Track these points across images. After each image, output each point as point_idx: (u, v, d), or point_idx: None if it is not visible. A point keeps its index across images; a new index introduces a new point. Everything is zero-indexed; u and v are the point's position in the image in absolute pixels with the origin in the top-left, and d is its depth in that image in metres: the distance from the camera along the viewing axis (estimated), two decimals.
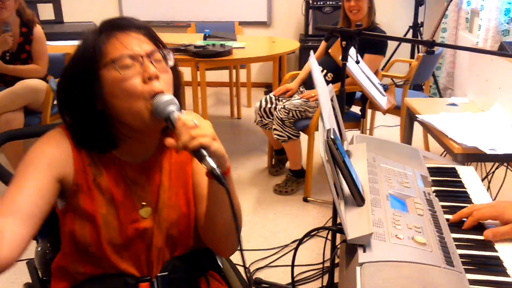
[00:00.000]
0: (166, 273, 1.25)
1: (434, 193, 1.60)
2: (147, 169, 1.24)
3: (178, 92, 1.20)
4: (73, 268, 1.22)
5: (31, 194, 1.06)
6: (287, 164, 3.63)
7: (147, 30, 1.16)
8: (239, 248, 1.12)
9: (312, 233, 2.73)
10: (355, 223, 1.21)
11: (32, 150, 1.15)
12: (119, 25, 1.13)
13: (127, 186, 1.21)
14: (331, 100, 1.51)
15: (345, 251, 1.29)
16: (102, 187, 1.18)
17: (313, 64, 1.52)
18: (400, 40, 2.95)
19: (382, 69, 3.77)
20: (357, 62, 1.90)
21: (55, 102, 3.46)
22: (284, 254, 2.69)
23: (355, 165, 1.43)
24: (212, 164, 1.01)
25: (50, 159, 1.13)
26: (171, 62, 1.17)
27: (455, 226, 1.40)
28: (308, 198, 3.28)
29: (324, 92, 1.34)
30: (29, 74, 3.36)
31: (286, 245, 2.77)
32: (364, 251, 1.15)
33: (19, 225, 1.02)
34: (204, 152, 1.01)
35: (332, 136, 1.19)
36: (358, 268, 1.11)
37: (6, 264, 0.97)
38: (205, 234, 1.26)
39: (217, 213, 1.17)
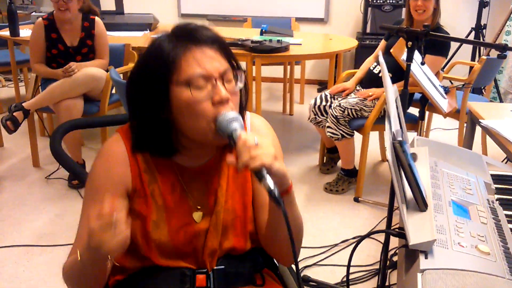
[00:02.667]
0: (223, 266, 1.25)
1: (498, 201, 1.55)
2: (205, 172, 1.23)
3: (242, 111, 1.19)
4: (127, 264, 1.24)
5: None
6: (339, 163, 3.60)
7: (221, 44, 1.14)
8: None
9: (371, 235, 2.70)
10: (417, 228, 1.19)
11: (95, 172, 1.20)
12: (193, 37, 1.11)
13: (183, 190, 1.22)
14: (395, 101, 1.48)
15: (405, 255, 1.27)
16: (155, 194, 1.19)
17: (382, 63, 1.49)
18: (470, 42, 2.82)
19: (442, 71, 3.67)
20: (422, 63, 1.85)
21: (113, 91, 3.55)
22: (333, 254, 2.67)
23: (417, 169, 1.40)
24: (271, 185, 0.99)
25: (113, 179, 1.17)
26: (241, 84, 1.15)
27: None
28: (360, 199, 3.24)
29: (391, 92, 1.31)
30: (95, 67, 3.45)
31: (335, 245, 2.74)
32: (426, 258, 1.13)
33: None
34: (264, 173, 1.00)
35: (399, 138, 1.16)
36: (419, 275, 1.09)
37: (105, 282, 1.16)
38: (266, 244, 1.26)
39: (278, 228, 1.16)
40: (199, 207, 1.22)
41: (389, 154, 1.15)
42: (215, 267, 1.24)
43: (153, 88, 1.10)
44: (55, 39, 3.43)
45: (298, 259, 2.57)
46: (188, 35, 1.11)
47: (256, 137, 1.03)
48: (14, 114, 3.18)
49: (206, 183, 1.24)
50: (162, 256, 1.20)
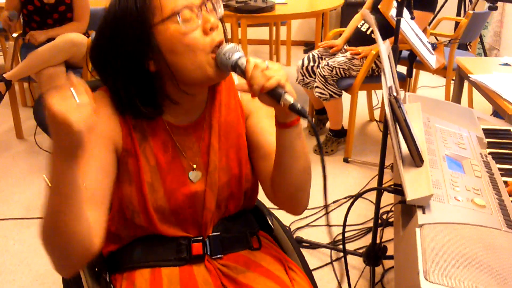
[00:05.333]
0: (218, 233, 1.24)
1: (490, 155, 1.55)
2: (196, 129, 1.19)
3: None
4: (121, 232, 1.21)
5: (98, 177, 1.06)
6: (327, 125, 3.58)
7: None
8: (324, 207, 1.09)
9: (366, 193, 2.70)
10: (414, 183, 1.18)
11: None
12: None
13: (175, 150, 1.17)
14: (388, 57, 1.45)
15: (401, 211, 1.27)
16: (147, 153, 1.14)
17: (369, 19, 1.45)
18: None
19: (429, 27, 3.63)
20: (412, 18, 1.81)
21: None
22: (324, 214, 2.68)
23: (411, 125, 1.39)
24: (291, 99, 0.96)
25: (103, 132, 1.09)
26: (221, 11, 1.10)
27: None
28: (349, 159, 3.24)
29: (384, 48, 1.28)
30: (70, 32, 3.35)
31: (327, 205, 2.75)
32: (424, 213, 1.13)
33: (96, 213, 1.04)
34: (281, 90, 0.97)
35: (394, 94, 1.14)
36: (417, 230, 1.09)
37: (95, 253, 1.01)
38: (275, 192, 1.19)
39: (289, 165, 1.11)
40: (194, 166, 1.18)
41: (386, 110, 1.13)
42: (210, 234, 1.23)
43: (135, 37, 1.01)
44: None
45: (289, 222, 2.57)
46: None
47: (267, 61, 1.00)
48: None
49: (198, 141, 1.19)
50: (162, 222, 1.17)
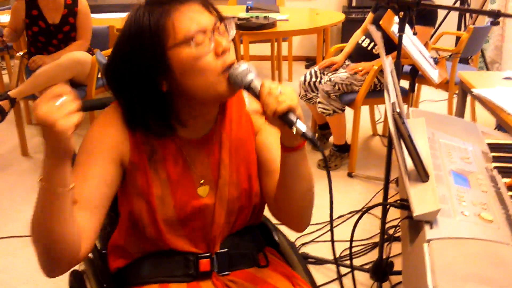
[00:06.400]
0: (226, 249, 1.24)
1: (496, 169, 1.55)
2: (206, 144, 1.20)
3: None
4: (130, 247, 1.22)
5: (97, 185, 1.08)
6: (331, 139, 3.59)
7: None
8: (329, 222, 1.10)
9: (371, 210, 2.70)
10: (420, 199, 1.18)
11: (90, 135, 1.14)
12: None
13: (185, 163, 1.18)
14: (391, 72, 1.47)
15: (408, 227, 1.26)
16: (158, 166, 1.15)
17: (375, 35, 1.47)
18: (466, 11, 2.80)
19: (430, 41, 3.65)
20: (415, 33, 1.83)
21: (99, 75, 3.49)
22: (329, 230, 2.67)
23: (416, 140, 1.39)
24: (303, 128, 0.99)
25: (109, 143, 1.12)
26: (233, 32, 1.12)
27: None
28: (353, 174, 3.25)
29: (387, 63, 1.30)
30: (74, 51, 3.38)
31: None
32: (431, 228, 1.13)
33: (89, 219, 1.06)
34: (293, 117, 0.99)
35: (398, 110, 1.15)
36: (425, 245, 1.09)
37: (82, 258, 1.05)
38: (279, 209, 1.21)
39: (293, 186, 1.13)
40: (202, 181, 1.20)
41: (390, 126, 1.14)
42: (218, 251, 1.23)
43: (149, 60, 1.04)
44: (35, 16, 3.34)
45: (294, 238, 2.56)
46: None
47: (280, 86, 1.02)
48: (0, 103, 3.12)
49: (208, 156, 1.21)
50: (170, 234, 1.18)
